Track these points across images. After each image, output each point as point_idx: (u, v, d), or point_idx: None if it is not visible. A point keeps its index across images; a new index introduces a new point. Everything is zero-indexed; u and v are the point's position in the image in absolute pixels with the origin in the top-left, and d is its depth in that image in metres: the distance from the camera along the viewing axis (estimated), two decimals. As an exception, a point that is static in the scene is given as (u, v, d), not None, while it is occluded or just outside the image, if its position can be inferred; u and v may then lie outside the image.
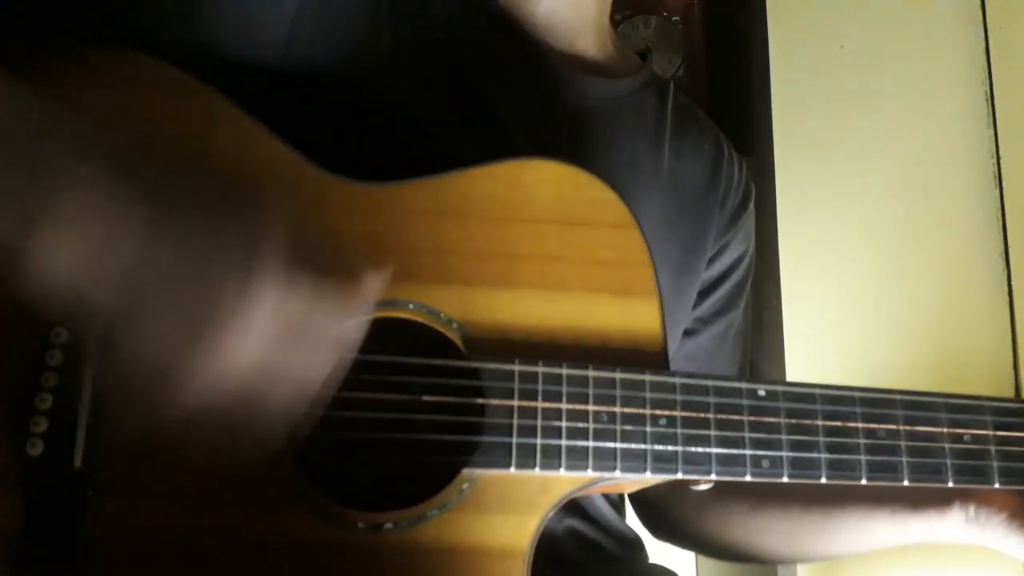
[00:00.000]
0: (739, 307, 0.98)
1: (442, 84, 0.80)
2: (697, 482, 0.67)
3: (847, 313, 1.42)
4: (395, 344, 0.65)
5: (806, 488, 0.86)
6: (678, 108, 0.94)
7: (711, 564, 1.52)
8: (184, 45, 0.70)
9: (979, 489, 0.77)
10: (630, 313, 0.68)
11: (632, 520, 0.96)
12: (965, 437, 0.68)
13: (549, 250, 0.69)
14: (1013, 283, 1.37)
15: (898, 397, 0.69)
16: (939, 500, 0.79)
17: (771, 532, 0.89)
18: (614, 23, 1.17)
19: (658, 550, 1.00)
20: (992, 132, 1.46)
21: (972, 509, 0.77)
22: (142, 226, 0.50)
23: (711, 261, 0.93)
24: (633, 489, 0.79)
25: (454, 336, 0.66)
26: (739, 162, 0.98)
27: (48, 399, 0.59)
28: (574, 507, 0.83)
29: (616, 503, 0.91)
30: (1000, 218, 1.41)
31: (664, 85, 0.95)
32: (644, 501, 0.98)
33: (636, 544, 0.92)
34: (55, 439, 0.59)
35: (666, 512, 0.96)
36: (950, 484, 0.68)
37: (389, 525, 0.62)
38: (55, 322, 0.60)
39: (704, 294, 0.94)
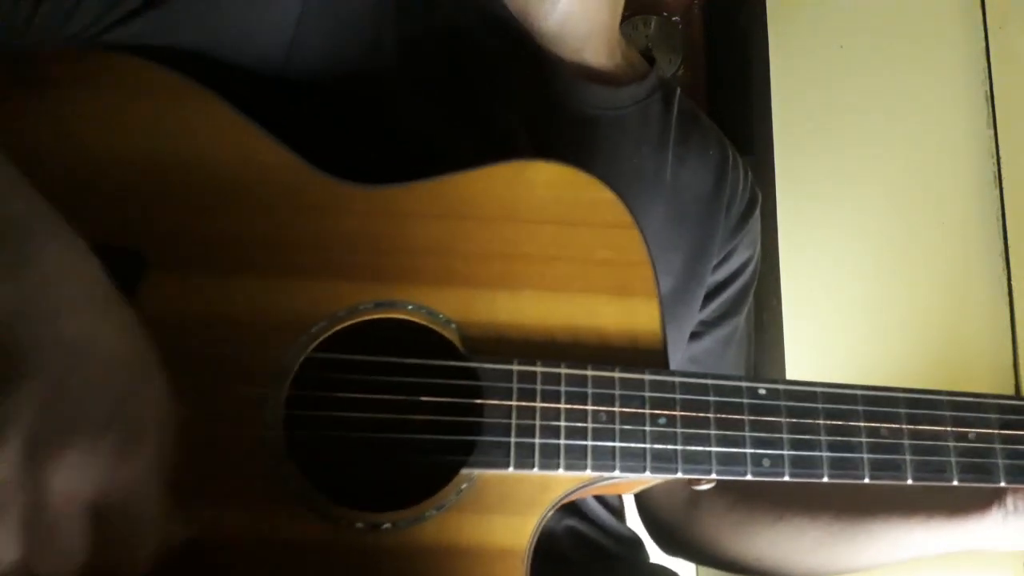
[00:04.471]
0: (742, 312, 0.97)
1: (446, 91, 0.79)
2: (699, 481, 0.67)
3: (847, 313, 1.42)
4: (394, 345, 0.64)
5: (836, 496, 0.85)
6: (682, 114, 0.94)
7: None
8: (186, 51, 0.71)
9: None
10: (629, 312, 0.68)
11: (632, 522, 0.96)
12: (970, 435, 0.68)
13: (548, 250, 0.69)
14: (1013, 283, 1.37)
15: (901, 395, 0.68)
16: (977, 503, 0.77)
17: (799, 542, 0.86)
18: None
19: (658, 550, 0.99)
20: (992, 132, 1.46)
21: (1010, 502, 0.76)
22: None
23: (717, 266, 0.93)
24: (633, 490, 0.79)
25: (453, 337, 0.66)
26: (744, 167, 0.97)
27: None
28: (572, 508, 0.83)
29: (614, 507, 0.90)
30: (1000, 218, 1.41)
31: (670, 90, 0.95)
32: (657, 519, 0.97)
33: (635, 543, 0.92)
34: None
35: (682, 528, 0.95)
36: (954, 483, 0.67)
37: (388, 525, 0.61)
38: None
39: (708, 297, 0.93)
